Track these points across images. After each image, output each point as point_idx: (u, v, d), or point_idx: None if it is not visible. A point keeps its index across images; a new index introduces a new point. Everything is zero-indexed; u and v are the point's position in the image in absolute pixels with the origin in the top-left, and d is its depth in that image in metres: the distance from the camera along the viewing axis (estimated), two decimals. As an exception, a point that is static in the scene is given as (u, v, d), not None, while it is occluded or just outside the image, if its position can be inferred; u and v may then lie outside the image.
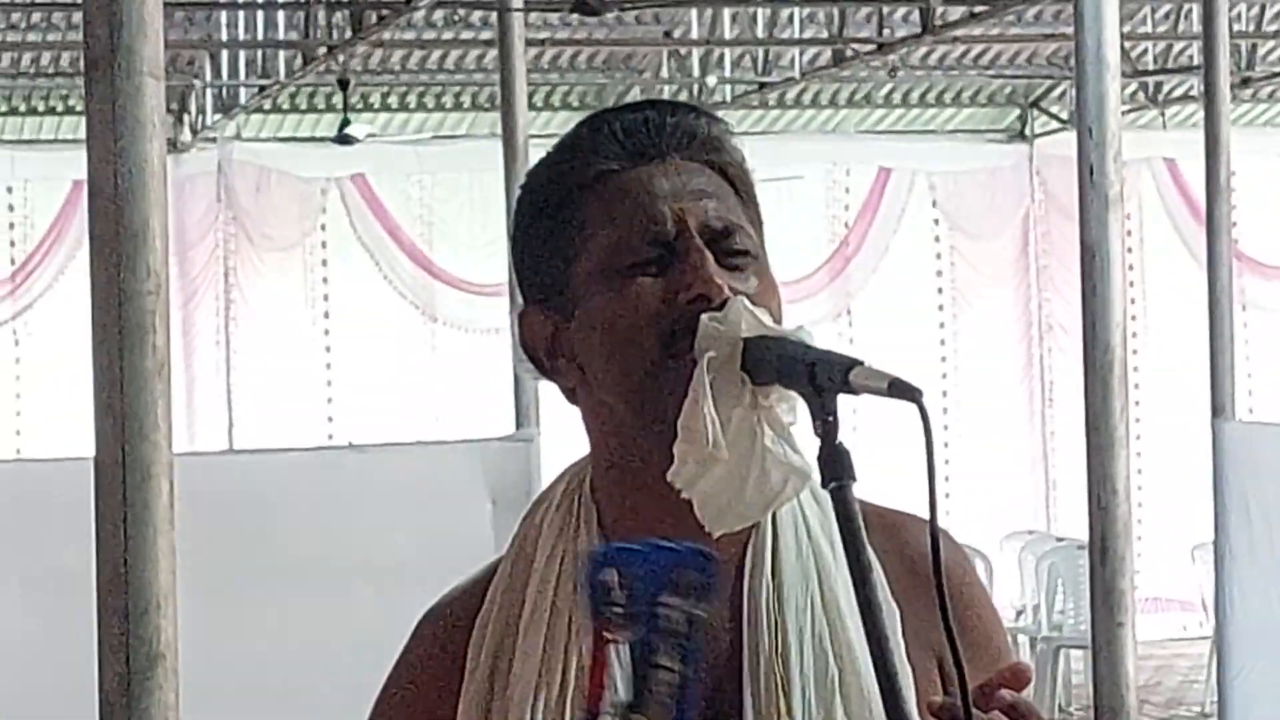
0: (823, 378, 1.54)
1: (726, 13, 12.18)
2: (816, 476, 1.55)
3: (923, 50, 12.90)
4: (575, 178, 1.67)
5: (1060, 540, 11.79)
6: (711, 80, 12.78)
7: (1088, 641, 5.61)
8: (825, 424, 1.53)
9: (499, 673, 1.67)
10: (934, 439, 1.48)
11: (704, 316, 1.60)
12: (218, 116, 12.95)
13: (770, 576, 1.66)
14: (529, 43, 7.67)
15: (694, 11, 12.27)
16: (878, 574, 1.59)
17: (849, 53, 12.23)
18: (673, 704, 1.51)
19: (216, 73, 12.72)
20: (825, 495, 1.57)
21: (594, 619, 1.50)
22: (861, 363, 1.53)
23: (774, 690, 1.63)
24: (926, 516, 1.53)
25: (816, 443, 1.55)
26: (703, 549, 1.51)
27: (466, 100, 13.63)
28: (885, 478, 2.54)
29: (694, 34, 12.48)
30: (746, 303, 1.61)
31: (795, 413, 1.59)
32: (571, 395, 1.70)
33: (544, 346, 1.70)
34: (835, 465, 1.52)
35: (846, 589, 1.63)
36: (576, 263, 1.67)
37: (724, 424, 1.58)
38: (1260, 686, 6.95)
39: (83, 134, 3.10)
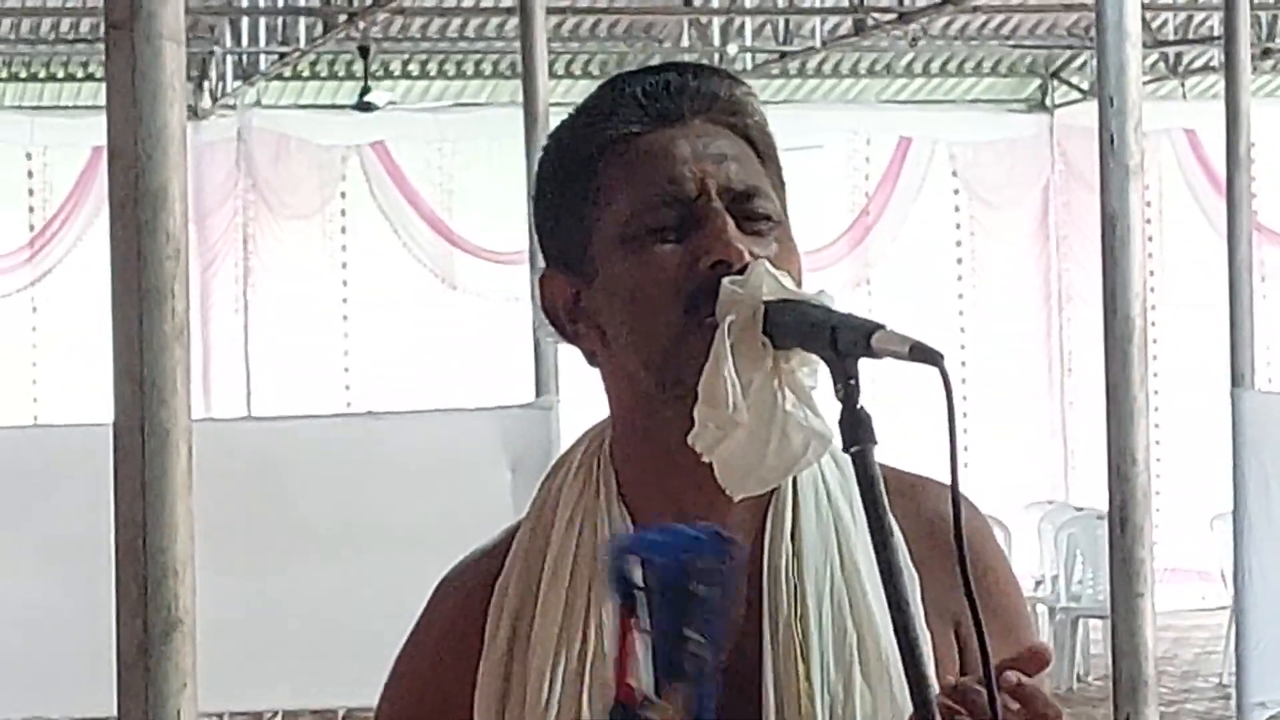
0: (844, 341, 1.53)
1: (748, -19, 12.19)
2: (838, 440, 1.54)
3: (943, 20, 12.87)
4: (596, 140, 1.67)
5: (1079, 510, 11.80)
6: (732, 49, 12.77)
7: (1106, 611, 5.60)
8: (846, 388, 1.52)
9: (519, 635, 1.67)
10: (955, 403, 1.47)
11: (725, 280, 1.60)
12: (238, 83, 12.96)
13: (790, 541, 1.66)
14: (550, 10, 7.67)
15: (715, -21, 12.28)
16: (898, 538, 1.58)
17: (870, 22, 12.21)
18: (695, 688, 1.51)
19: (237, 39, 12.73)
20: (845, 459, 1.57)
21: (619, 609, 1.50)
22: (883, 326, 1.52)
23: (793, 654, 1.63)
24: (946, 480, 1.52)
25: (838, 406, 1.54)
26: (720, 531, 1.51)
27: (487, 68, 13.63)
28: (905, 442, 2.54)
29: (715, 2, 12.47)
30: (769, 266, 1.60)
31: (816, 376, 1.59)
32: (592, 358, 1.69)
33: (565, 310, 1.69)
34: (856, 429, 1.51)
35: (866, 553, 1.63)
36: (597, 226, 1.66)
37: (745, 388, 1.58)
38: (1278, 657, 6.95)
39: (102, 100, 3.09)
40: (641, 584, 1.50)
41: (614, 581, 1.50)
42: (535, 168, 1.75)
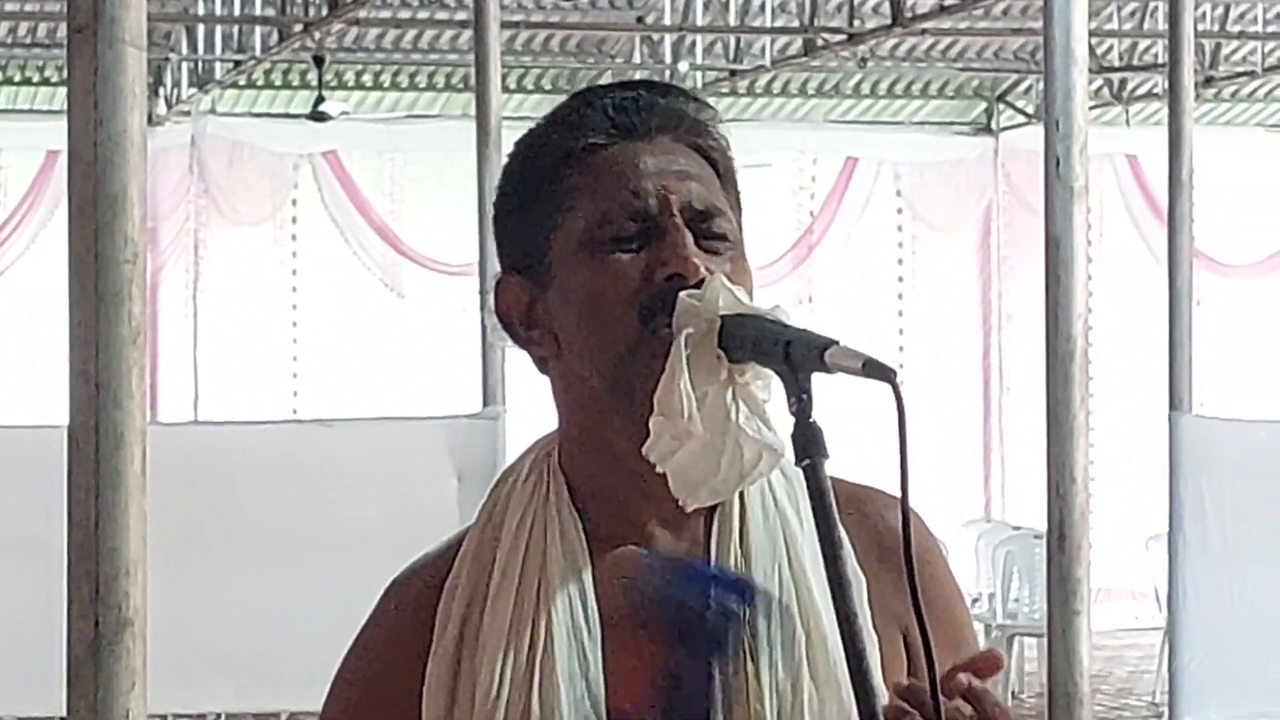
0: (798, 356, 1.55)
1: (699, -1, 12.25)
2: (789, 454, 1.56)
3: (892, 41, 12.95)
4: (562, 149, 1.68)
5: (1016, 528, 11.87)
6: (683, 66, 12.81)
7: (1042, 629, 5.66)
8: (799, 402, 1.54)
9: (467, 635, 1.68)
10: (906, 418, 1.49)
11: (682, 293, 1.61)
12: (192, 90, 12.95)
13: (738, 544, 1.68)
14: (503, 24, 7.68)
15: (667, -3, 12.33)
16: (848, 550, 1.61)
17: (819, 42, 12.27)
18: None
19: (192, 46, 12.72)
20: (792, 467, 1.58)
21: (646, 622, 1.58)
22: (837, 342, 1.53)
23: (741, 655, 1.65)
24: (895, 492, 1.55)
25: (791, 420, 1.55)
26: (749, 582, 1.57)
27: (440, 80, 13.65)
28: (852, 456, 2.58)
29: (666, 20, 12.51)
30: (724, 280, 1.62)
31: (770, 390, 1.61)
32: (543, 365, 1.71)
33: (520, 315, 1.70)
34: (809, 443, 1.53)
35: (814, 559, 1.65)
36: (558, 233, 1.67)
37: (700, 400, 1.59)
38: (1210, 678, 7.02)
39: (58, 104, 3.13)
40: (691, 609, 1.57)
41: (646, 596, 1.56)
42: (487, 180, 1.77)
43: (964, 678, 1.54)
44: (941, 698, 1.50)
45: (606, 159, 1.67)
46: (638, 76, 13.00)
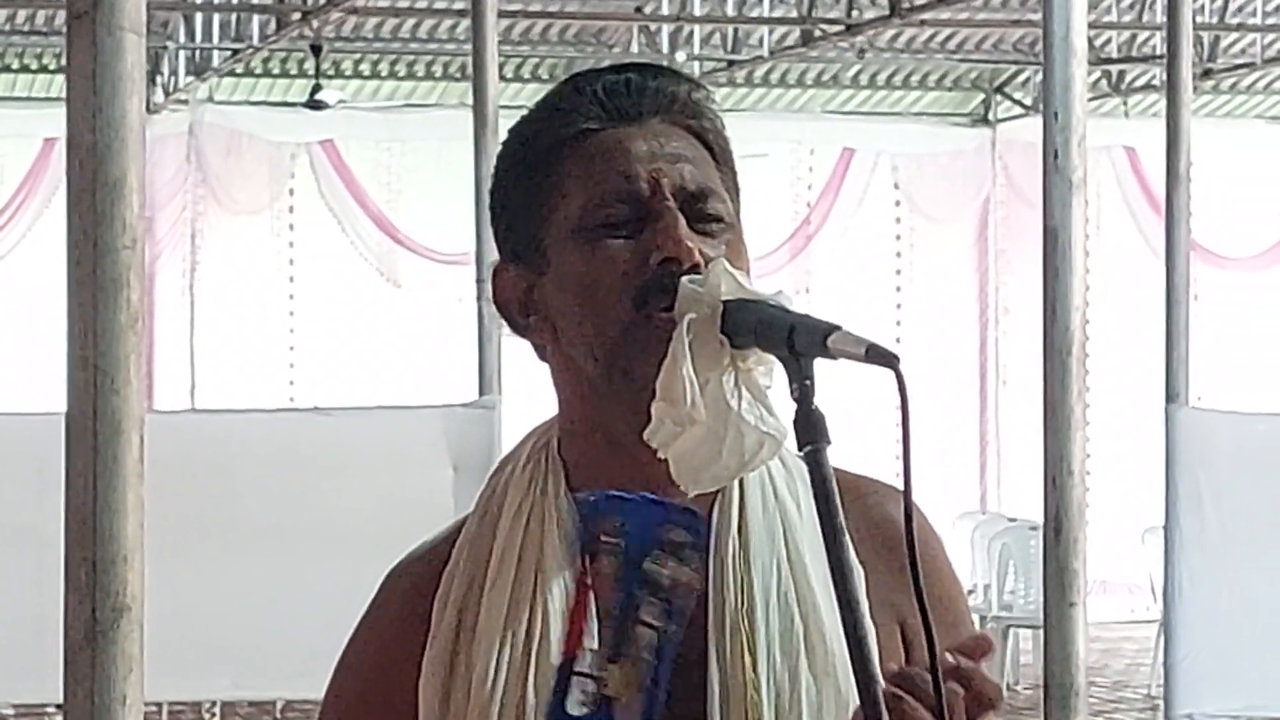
0: (801, 342, 1.54)
1: (697, -11, 12.26)
2: (791, 440, 1.55)
3: (890, 32, 12.96)
4: (554, 135, 1.67)
5: (1012, 520, 11.90)
6: (680, 57, 12.81)
7: (1037, 621, 5.67)
8: (802, 387, 1.53)
9: (465, 625, 1.67)
10: (909, 405, 1.48)
11: (684, 279, 1.60)
12: (190, 79, 12.95)
13: (737, 534, 1.67)
14: (501, 14, 7.68)
15: (665, -13, 12.34)
16: (848, 539, 1.61)
17: (817, 33, 12.28)
18: (651, 659, 1.54)
19: (190, 35, 12.72)
20: (792, 458, 1.59)
21: (580, 564, 1.54)
22: (840, 328, 1.53)
23: (739, 646, 1.64)
24: (893, 481, 1.55)
25: (793, 406, 1.54)
26: (692, 508, 1.54)
27: (438, 69, 13.65)
28: (850, 443, 2.58)
29: (664, 10, 12.52)
30: (727, 265, 1.61)
31: (772, 376, 1.60)
32: (542, 352, 1.70)
33: (517, 303, 1.70)
34: (811, 429, 1.52)
35: (812, 548, 1.64)
36: (552, 220, 1.67)
37: (702, 386, 1.58)
38: (1206, 670, 7.03)
39: (55, 92, 3.12)
40: (610, 546, 1.54)
41: (581, 538, 1.53)
42: (484, 169, 1.77)
43: (952, 658, 1.53)
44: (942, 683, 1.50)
45: (598, 144, 1.66)
46: (634, 65, 12.99)
